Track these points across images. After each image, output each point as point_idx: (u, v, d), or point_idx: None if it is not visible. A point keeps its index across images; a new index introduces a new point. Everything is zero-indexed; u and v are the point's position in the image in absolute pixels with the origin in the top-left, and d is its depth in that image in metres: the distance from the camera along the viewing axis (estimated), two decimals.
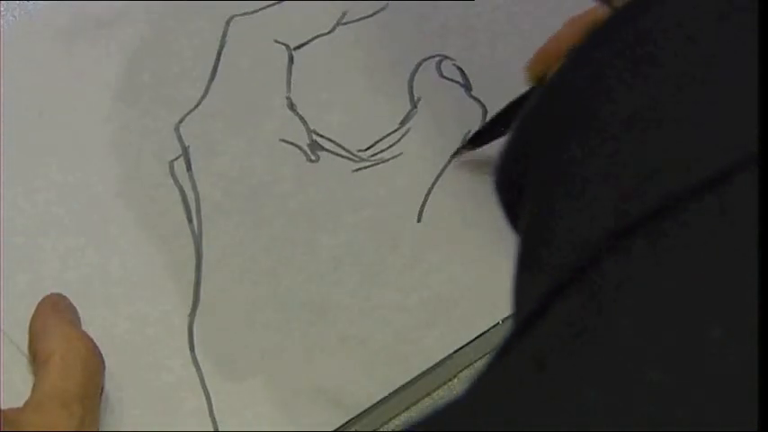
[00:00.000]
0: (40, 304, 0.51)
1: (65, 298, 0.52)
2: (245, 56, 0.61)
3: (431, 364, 0.50)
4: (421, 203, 0.56)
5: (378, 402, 0.49)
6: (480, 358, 0.52)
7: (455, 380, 0.52)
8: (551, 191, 0.30)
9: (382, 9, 0.63)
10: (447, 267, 0.53)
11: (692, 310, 0.24)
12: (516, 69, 0.59)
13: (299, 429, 0.49)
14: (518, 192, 0.33)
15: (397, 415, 0.51)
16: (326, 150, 0.58)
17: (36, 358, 0.48)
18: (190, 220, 0.55)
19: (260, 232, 0.55)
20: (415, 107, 0.59)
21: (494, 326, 0.51)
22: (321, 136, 0.58)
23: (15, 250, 0.53)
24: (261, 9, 0.63)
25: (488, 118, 0.58)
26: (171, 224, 0.55)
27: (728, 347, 0.23)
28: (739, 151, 0.26)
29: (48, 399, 0.45)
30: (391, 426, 0.50)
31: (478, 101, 0.59)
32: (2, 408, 0.45)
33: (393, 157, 0.58)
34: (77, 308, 0.51)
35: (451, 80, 0.60)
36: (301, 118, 0.59)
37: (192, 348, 0.51)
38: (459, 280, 0.53)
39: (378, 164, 0.57)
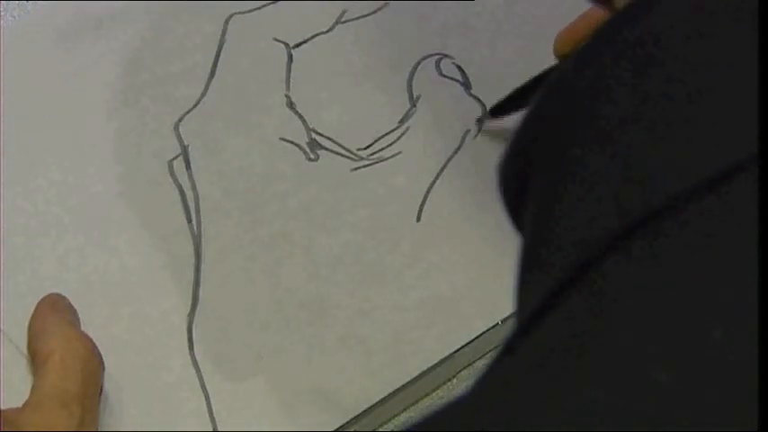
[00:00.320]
0: (39, 304, 0.51)
1: (64, 298, 0.52)
2: (244, 54, 0.61)
3: (430, 365, 0.50)
4: (420, 203, 0.56)
5: (377, 402, 0.49)
6: (480, 358, 0.52)
7: (454, 380, 0.52)
8: (553, 190, 0.30)
9: (382, 8, 0.63)
10: (447, 267, 0.53)
11: (694, 311, 0.24)
12: (516, 68, 0.59)
13: (299, 429, 0.48)
14: (521, 191, 0.33)
15: (396, 415, 0.51)
16: (326, 149, 0.58)
17: (35, 358, 0.48)
18: (189, 220, 0.55)
19: (259, 231, 0.54)
20: (415, 106, 0.59)
21: (493, 326, 0.51)
22: (320, 134, 0.58)
23: (15, 250, 0.53)
24: (260, 7, 0.63)
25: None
26: (170, 224, 0.55)
27: (729, 348, 0.23)
28: (739, 151, 0.26)
29: (47, 399, 0.45)
30: (390, 426, 0.50)
31: (478, 99, 0.59)
32: (1, 408, 0.45)
33: (392, 156, 0.57)
34: (77, 308, 0.51)
35: (451, 79, 0.60)
36: (301, 116, 0.59)
37: (191, 348, 0.51)
38: (458, 280, 0.53)
39: (377, 162, 0.57)
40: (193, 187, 0.56)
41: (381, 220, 0.55)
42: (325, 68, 0.61)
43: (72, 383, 0.46)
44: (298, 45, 0.62)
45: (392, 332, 0.51)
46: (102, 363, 0.49)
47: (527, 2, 0.63)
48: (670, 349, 0.24)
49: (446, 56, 0.61)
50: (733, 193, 0.25)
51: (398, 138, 0.58)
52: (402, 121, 0.59)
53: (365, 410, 0.49)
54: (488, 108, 0.57)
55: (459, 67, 0.61)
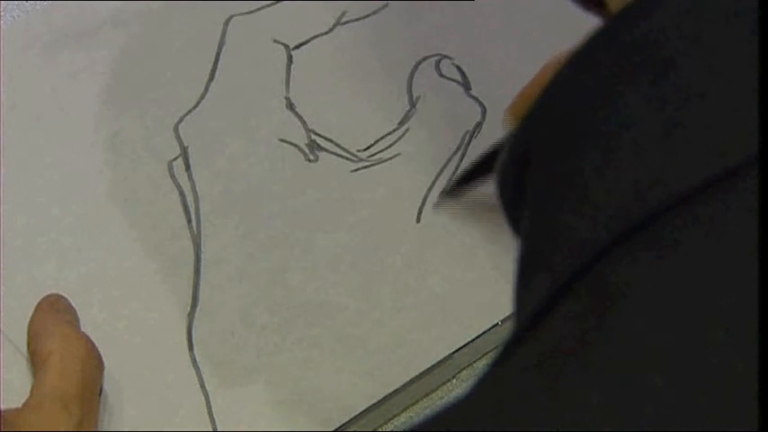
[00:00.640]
0: (38, 305, 0.51)
1: (63, 298, 0.52)
2: (243, 56, 0.61)
3: (430, 365, 0.50)
4: (420, 204, 0.56)
5: (377, 403, 0.49)
6: (479, 359, 0.52)
7: (454, 380, 0.52)
8: (553, 192, 0.30)
9: (381, 9, 0.63)
10: (446, 268, 0.53)
11: (695, 313, 0.24)
12: (515, 68, 0.59)
13: (298, 429, 0.48)
14: (520, 193, 0.33)
15: (396, 416, 0.51)
16: (325, 150, 0.58)
17: (35, 359, 0.48)
18: (189, 221, 0.55)
19: (258, 232, 0.54)
20: (414, 107, 0.59)
21: (493, 326, 0.51)
22: (320, 136, 0.58)
23: (15, 250, 0.53)
24: (259, 9, 0.63)
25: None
26: (170, 224, 0.55)
27: (730, 350, 0.23)
28: (739, 153, 0.26)
29: (46, 399, 0.45)
30: (390, 426, 0.50)
31: (477, 100, 0.59)
32: (1, 408, 0.45)
33: (392, 157, 0.57)
34: (76, 308, 0.51)
35: (450, 79, 0.60)
36: (300, 118, 0.59)
37: (190, 348, 0.51)
38: (458, 280, 0.53)
39: (376, 164, 0.57)
40: (193, 188, 0.56)
41: (381, 221, 0.55)
42: (324, 70, 0.61)
43: (71, 384, 0.46)
44: (297, 46, 0.62)
45: (392, 333, 0.51)
46: (101, 363, 0.49)
47: (527, 2, 0.63)
48: (672, 352, 0.24)
49: (445, 57, 0.61)
50: (733, 196, 0.25)
51: (398, 139, 0.58)
52: (402, 123, 0.59)
53: (365, 411, 0.49)
54: (449, 185, 0.56)
55: (459, 68, 0.61)
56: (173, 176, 0.56)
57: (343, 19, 0.63)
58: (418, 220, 0.55)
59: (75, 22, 0.63)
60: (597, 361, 0.24)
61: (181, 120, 0.58)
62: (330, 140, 0.58)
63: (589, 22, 0.45)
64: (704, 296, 0.24)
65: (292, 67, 0.61)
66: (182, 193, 0.56)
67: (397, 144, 0.58)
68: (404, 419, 0.51)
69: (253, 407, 0.49)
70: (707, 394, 0.23)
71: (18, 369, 0.49)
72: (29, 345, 0.49)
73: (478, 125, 0.58)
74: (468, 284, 0.53)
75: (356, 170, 0.57)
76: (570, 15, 0.50)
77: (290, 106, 0.59)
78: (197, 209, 0.55)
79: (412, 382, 0.50)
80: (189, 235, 0.54)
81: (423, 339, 0.51)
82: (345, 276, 0.53)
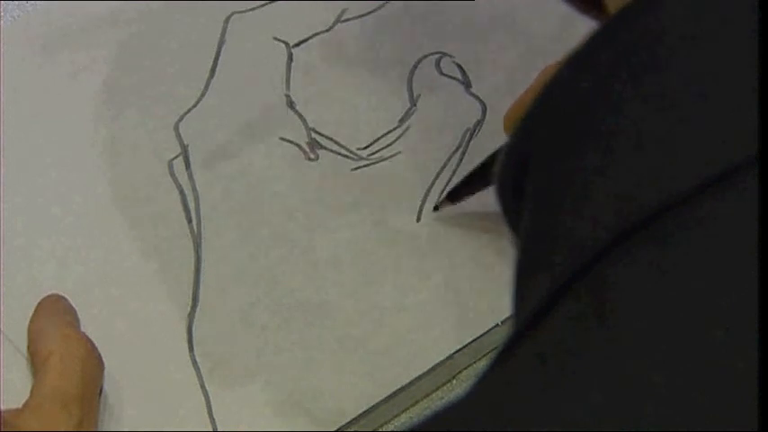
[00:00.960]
0: (38, 305, 0.51)
1: (64, 299, 0.51)
2: (244, 54, 0.61)
3: (430, 365, 0.50)
4: (420, 202, 0.55)
5: (377, 403, 0.49)
6: (480, 359, 0.52)
7: (454, 381, 0.52)
8: (553, 192, 0.30)
9: (381, 6, 0.63)
10: (446, 267, 0.53)
11: (695, 313, 0.24)
12: (516, 67, 0.59)
13: (298, 429, 0.48)
14: (519, 193, 0.33)
15: (396, 416, 0.51)
16: (325, 149, 0.58)
17: (35, 359, 0.48)
18: (189, 220, 0.55)
19: (259, 231, 0.54)
20: (415, 105, 0.59)
21: (493, 326, 0.51)
22: (320, 134, 0.58)
23: (15, 250, 0.53)
24: (260, 6, 0.63)
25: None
26: (170, 224, 0.55)
27: (730, 349, 0.23)
28: (740, 153, 0.26)
29: (46, 400, 0.45)
30: (390, 426, 0.50)
31: (478, 98, 0.59)
32: (1, 408, 0.45)
33: (392, 156, 0.57)
34: (76, 308, 0.51)
35: (451, 77, 0.60)
36: (300, 116, 0.59)
37: (191, 349, 0.51)
38: (458, 280, 0.53)
39: (377, 162, 0.57)
40: (193, 187, 0.56)
41: (381, 220, 0.55)
42: (325, 68, 0.61)
43: (71, 384, 0.46)
44: (298, 44, 0.61)
45: (391, 333, 0.51)
46: (101, 364, 0.49)
47: (527, 1, 0.63)
48: (672, 351, 0.24)
49: (446, 55, 0.61)
50: (733, 195, 0.25)
51: (398, 137, 0.58)
52: (402, 121, 0.59)
53: (365, 411, 0.49)
54: (447, 191, 0.56)
55: (460, 66, 0.61)
56: (173, 175, 0.56)
57: (344, 17, 0.63)
58: (418, 219, 0.55)
59: (75, 21, 0.62)
60: (597, 361, 0.24)
61: (181, 118, 0.58)
62: (330, 138, 0.58)
63: (589, 23, 0.45)
64: (704, 296, 0.24)
65: (292, 65, 0.61)
66: (182, 192, 0.56)
67: (397, 142, 0.58)
68: (404, 420, 0.50)
69: (253, 407, 0.49)
70: (707, 394, 0.23)
71: (18, 369, 0.49)
72: (29, 345, 0.49)
73: (479, 123, 0.58)
74: (468, 285, 0.53)
75: (356, 168, 0.57)
76: (570, 14, 0.50)
77: (291, 104, 0.59)
78: (197, 208, 0.55)
79: (412, 382, 0.50)
80: (189, 235, 0.54)
81: (423, 339, 0.51)
82: (345, 276, 0.53)
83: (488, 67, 0.61)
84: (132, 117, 0.59)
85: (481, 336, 0.51)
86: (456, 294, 0.52)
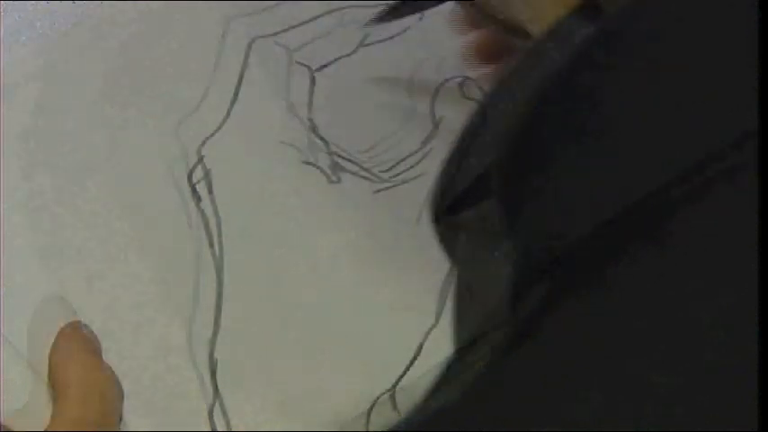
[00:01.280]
0: (60, 332, 0.51)
1: (85, 326, 0.52)
2: (267, 77, 0.61)
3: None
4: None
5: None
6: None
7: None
8: (545, 192, 0.30)
9: (404, 31, 0.63)
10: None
11: (694, 312, 0.24)
12: None
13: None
14: (513, 197, 0.33)
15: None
16: (348, 172, 0.58)
17: (56, 386, 0.48)
18: (211, 245, 0.55)
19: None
20: (437, 128, 0.59)
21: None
22: (343, 158, 0.58)
23: (15, 250, 0.53)
24: (283, 31, 0.63)
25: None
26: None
27: (730, 349, 0.23)
28: (739, 153, 0.26)
29: (66, 428, 0.45)
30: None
31: None
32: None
33: (414, 178, 0.57)
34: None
35: (474, 100, 0.60)
36: (323, 139, 0.59)
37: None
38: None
39: (399, 184, 0.57)
40: (215, 212, 0.56)
41: (400, 236, 0.55)
42: (347, 91, 0.61)
43: (91, 413, 0.46)
44: (320, 68, 0.62)
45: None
46: (121, 392, 0.49)
47: None
48: (669, 352, 0.24)
49: (468, 78, 0.61)
50: (732, 192, 0.25)
51: (421, 160, 0.58)
52: (424, 143, 0.59)
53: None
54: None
55: (482, 90, 0.60)
56: (196, 200, 0.56)
57: (367, 41, 0.63)
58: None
59: (75, 22, 0.63)
60: (597, 360, 0.24)
61: (204, 142, 0.58)
62: (353, 162, 0.58)
63: None
64: (704, 296, 0.24)
65: (315, 88, 0.61)
66: (204, 216, 0.56)
67: (419, 165, 0.58)
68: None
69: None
70: (707, 394, 0.22)
71: (18, 369, 0.49)
72: (50, 373, 0.49)
73: None
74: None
75: (379, 191, 0.57)
76: None
77: (313, 128, 0.59)
78: (219, 233, 0.55)
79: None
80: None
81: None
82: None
83: None
84: (132, 117, 0.59)
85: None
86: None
